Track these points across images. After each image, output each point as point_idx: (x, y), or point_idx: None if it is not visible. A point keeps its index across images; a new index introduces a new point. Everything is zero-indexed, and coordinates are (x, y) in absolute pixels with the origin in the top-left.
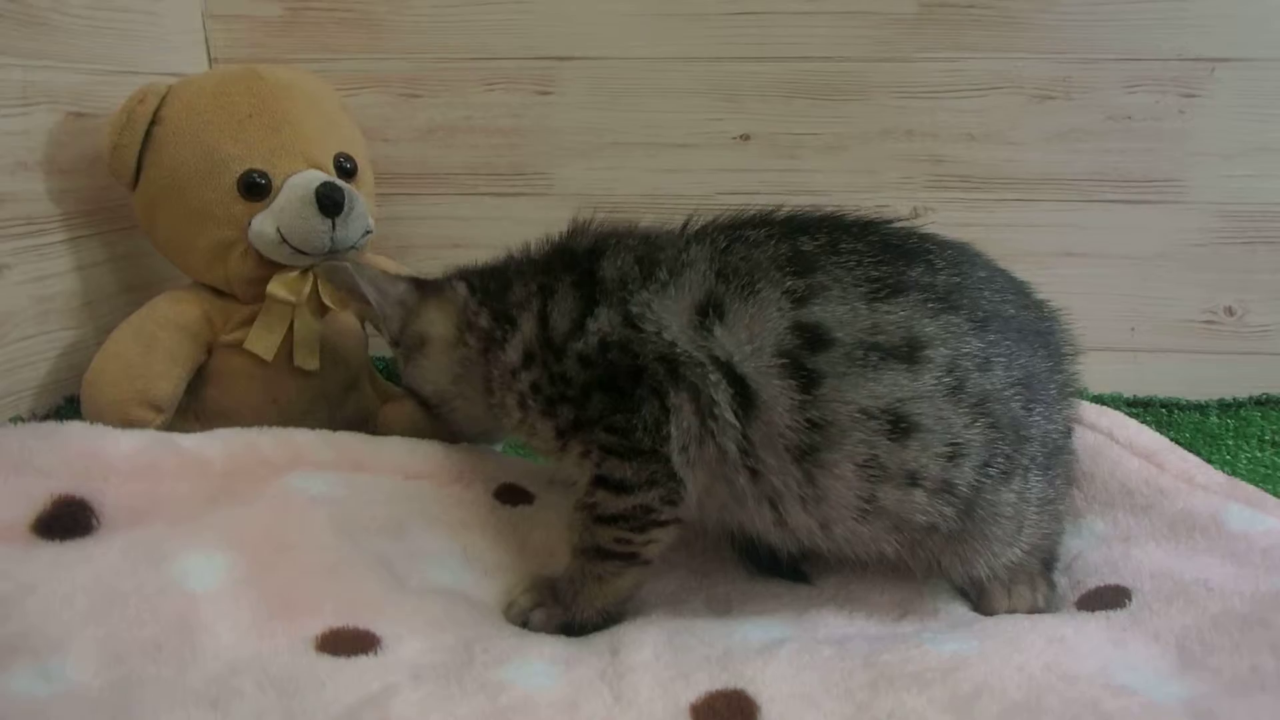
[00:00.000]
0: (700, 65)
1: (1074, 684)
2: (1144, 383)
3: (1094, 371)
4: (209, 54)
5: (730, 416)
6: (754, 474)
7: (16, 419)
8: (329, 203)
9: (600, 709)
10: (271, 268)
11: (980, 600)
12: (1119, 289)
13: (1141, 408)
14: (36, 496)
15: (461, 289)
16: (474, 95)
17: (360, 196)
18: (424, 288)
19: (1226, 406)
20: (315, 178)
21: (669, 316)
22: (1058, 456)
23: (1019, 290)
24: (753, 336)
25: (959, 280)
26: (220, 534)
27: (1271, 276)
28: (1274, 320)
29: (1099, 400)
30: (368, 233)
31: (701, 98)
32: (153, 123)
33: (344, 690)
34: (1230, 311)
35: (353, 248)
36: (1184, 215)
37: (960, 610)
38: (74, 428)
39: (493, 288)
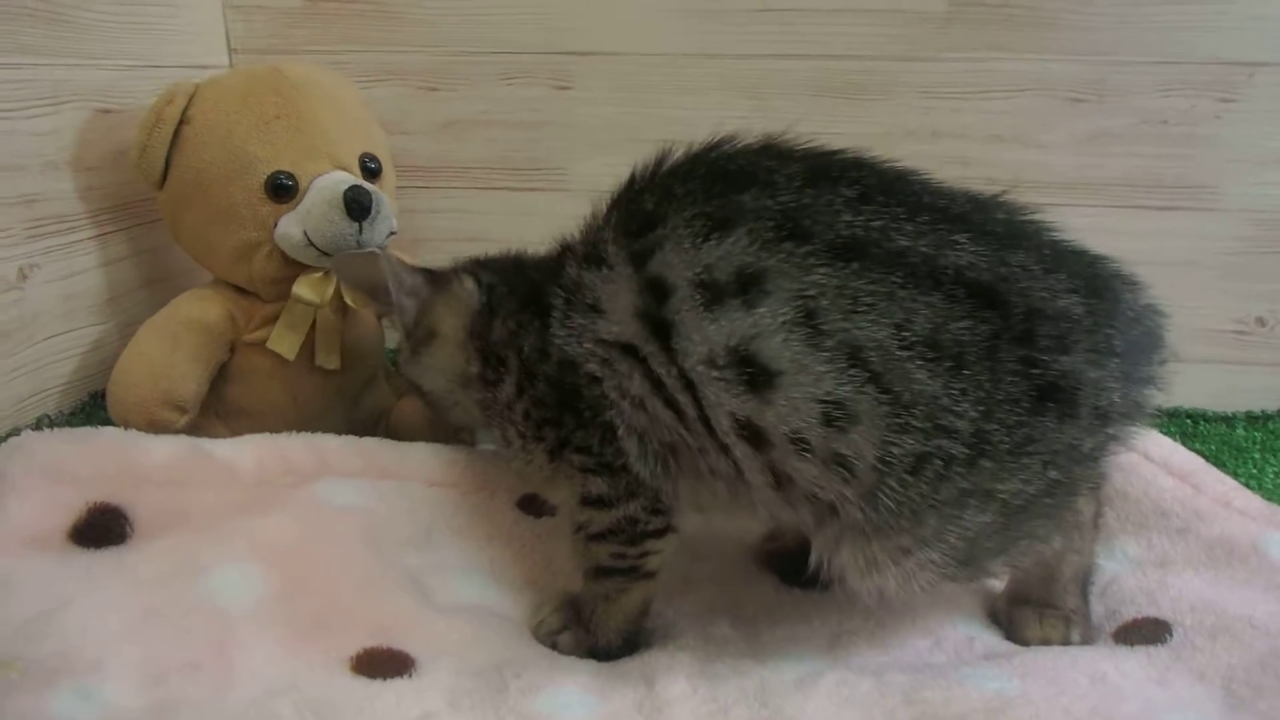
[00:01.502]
0: (723, 62)
1: None
2: (1171, 393)
3: None
4: (229, 45)
5: (659, 406)
6: (702, 455)
7: (44, 417)
8: (356, 207)
9: None
10: (296, 268)
11: (1011, 629)
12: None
13: (1166, 418)
14: (73, 504)
15: (470, 285)
16: (492, 89)
17: (386, 198)
18: (435, 281)
19: (1254, 419)
20: (342, 180)
21: (583, 331)
22: (1025, 461)
23: (957, 220)
24: (617, 311)
25: (805, 202)
26: (252, 546)
27: None
28: None
29: None
30: (392, 233)
31: (723, 95)
32: (180, 122)
33: (382, 715)
34: (1261, 322)
35: (379, 249)
36: (1216, 222)
37: (993, 639)
38: (107, 434)
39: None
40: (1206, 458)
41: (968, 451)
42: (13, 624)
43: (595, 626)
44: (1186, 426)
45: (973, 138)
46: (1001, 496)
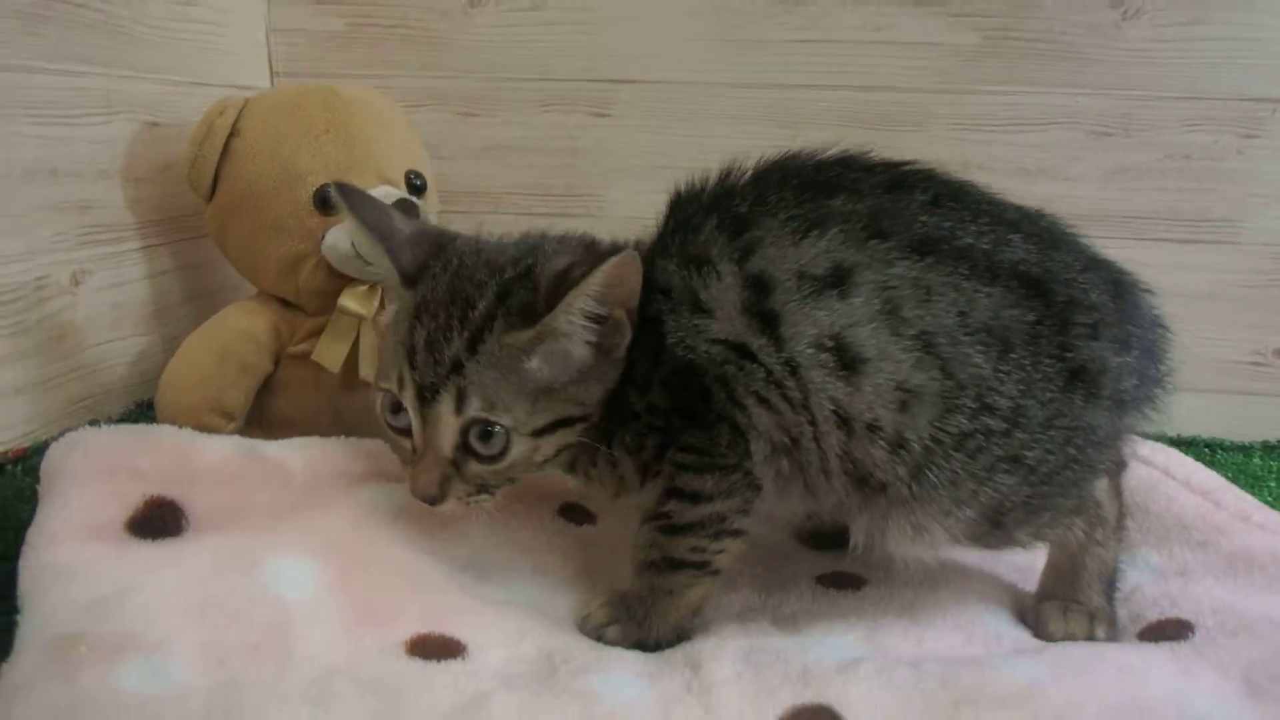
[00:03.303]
0: (757, 92)
1: (1150, 713)
2: (1188, 422)
3: None
4: (271, 68)
5: (780, 400)
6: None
7: (94, 422)
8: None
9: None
10: (341, 280)
11: (1038, 625)
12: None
13: (1185, 447)
14: (130, 498)
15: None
16: (531, 115)
17: (431, 214)
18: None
19: (1270, 448)
20: (390, 194)
21: (696, 333)
22: (1057, 446)
23: (1011, 224)
24: (724, 308)
25: (887, 205)
26: (304, 542)
27: None
28: None
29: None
30: None
31: (757, 124)
32: (231, 135)
33: (441, 694)
34: (1279, 354)
35: None
36: (1237, 256)
37: (1021, 635)
38: (164, 431)
39: None
40: None
41: (1005, 425)
42: (77, 606)
43: (650, 621)
44: (1204, 456)
45: (1002, 170)
46: (1029, 463)
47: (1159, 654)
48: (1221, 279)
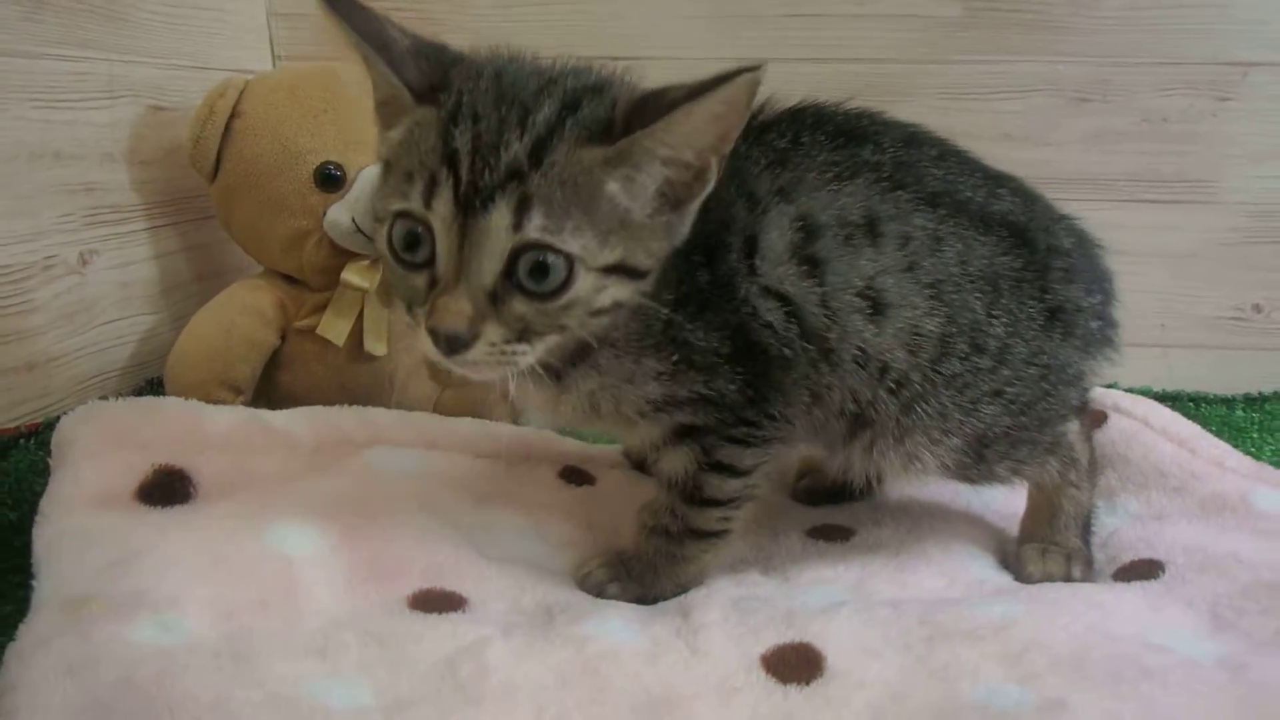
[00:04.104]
0: None
1: (1116, 642)
2: (1173, 377)
3: (1125, 366)
4: (273, 51)
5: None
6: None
7: (104, 398)
8: None
9: (679, 660)
10: (344, 256)
11: (1019, 567)
12: (1151, 286)
13: (1170, 401)
14: (139, 467)
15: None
16: None
17: None
18: None
19: (1252, 400)
20: None
21: (750, 276)
22: (1036, 394)
23: (996, 179)
24: (775, 251)
25: (905, 158)
26: (310, 505)
27: None
28: None
29: (1129, 393)
30: None
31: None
32: (232, 116)
33: (440, 642)
34: (1258, 309)
35: None
36: (1215, 215)
37: (1003, 579)
38: (171, 403)
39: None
40: None
41: (993, 363)
42: (91, 568)
43: (656, 581)
44: (1189, 409)
45: (986, 136)
46: (1009, 395)
47: (1130, 592)
48: (1201, 238)
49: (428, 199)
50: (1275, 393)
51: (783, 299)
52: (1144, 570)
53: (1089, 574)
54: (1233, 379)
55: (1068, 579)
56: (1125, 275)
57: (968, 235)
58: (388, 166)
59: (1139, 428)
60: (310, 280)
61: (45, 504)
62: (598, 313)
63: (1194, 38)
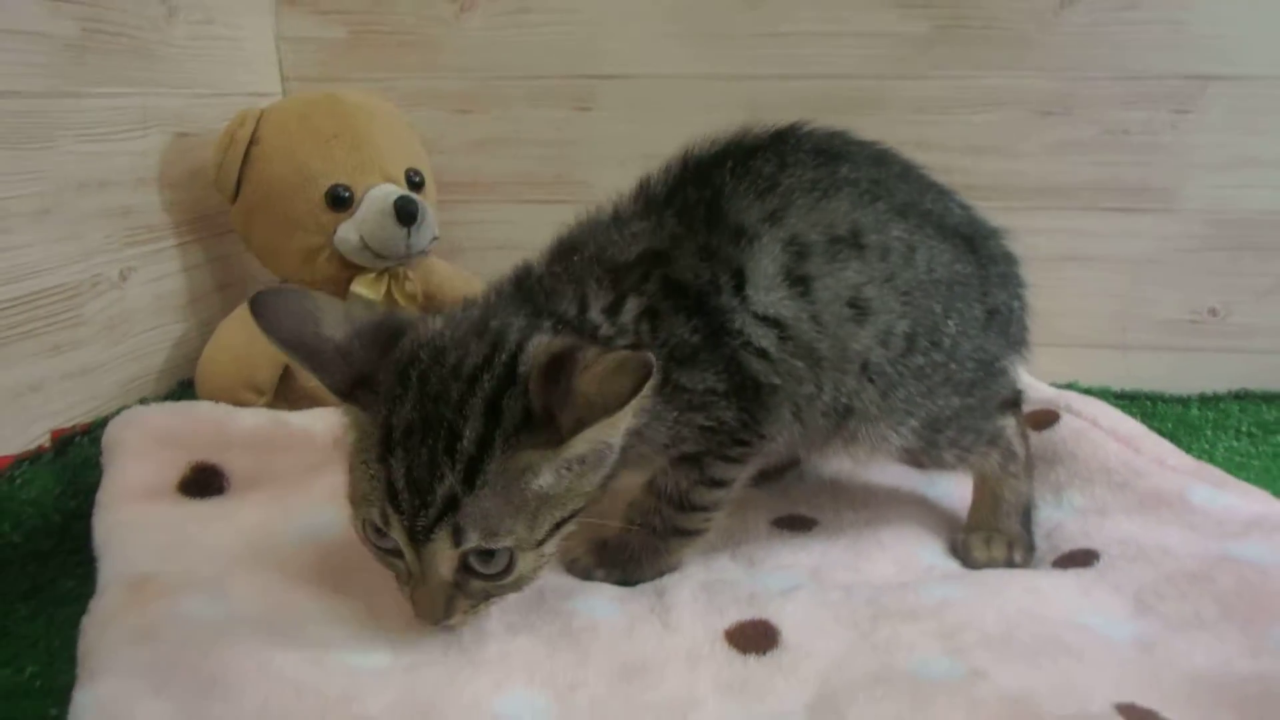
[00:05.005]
0: (729, 82)
1: (1042, 622)
2: (1132, 377)
3: (1086, 366)
4: (281, 74)
5: (803, 368)
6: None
7: (144, 400)
8: (405, 214)
9: (652, 633)
10: (352, 269)
11: (965, 553)
12: (1112, 290)
13: (1128, 400)
14: (179, 463)
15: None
16: (520, 110)
17: (429, 207)
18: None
19: (1207, 400)
20: (392, 191)
21: (740, 309)
22: (975, 388)
23: (947, 194)
24: (764, 277)
25: (877, 175)
26: (332, 494)
27: (1253, 280)
28: (1254, 320)
29: (1089, 393)
30: (434, 238)
31: (729, 112)
32: (250, 143)
33: None
34: (1214, 312)
35: (423, 251)
36: (1174, 223)
37: (950, 565)
38: (203, 406)
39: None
40: (1163, 435)
41: (945, 358)
42: (145, 552)
43: (638, 569)
44: (1146, 407)
45: (954, 148)
46: (955, 382)
47: (1065, 578)
48: (1161, 244)
49: (385, 524)
50: (1230, 392)
51: (777, 324)
52: (1080, 559)
53: (1029, 559)
54: (1189, 379)
55: (1010, 564)
56: (1088, 279)
57: (933, 244)
58: (350, 457)
59: (1088, 427)
60: (322, 291)
61: (102, 496)
62: (548, 561)
63: (1154, 52)
